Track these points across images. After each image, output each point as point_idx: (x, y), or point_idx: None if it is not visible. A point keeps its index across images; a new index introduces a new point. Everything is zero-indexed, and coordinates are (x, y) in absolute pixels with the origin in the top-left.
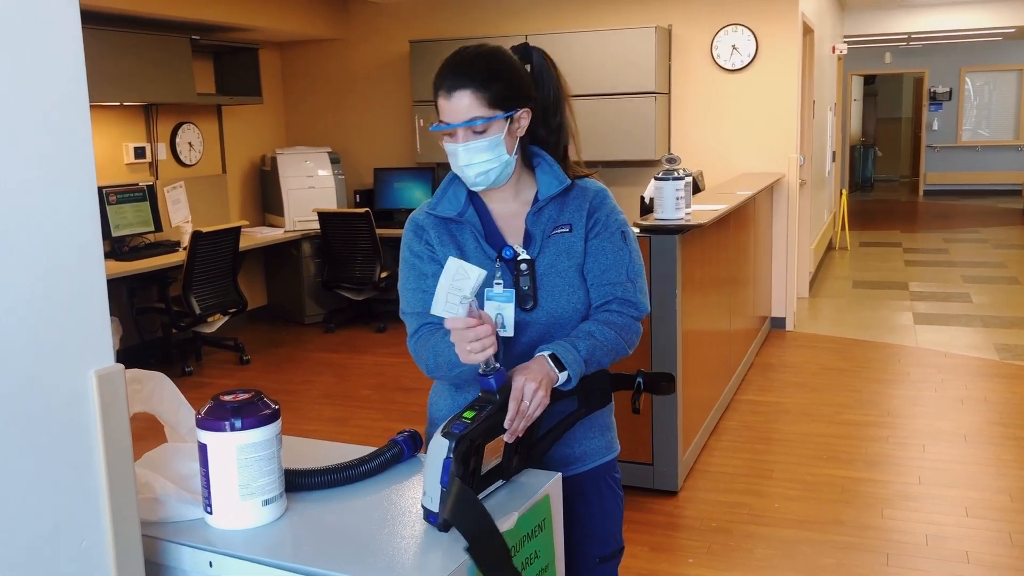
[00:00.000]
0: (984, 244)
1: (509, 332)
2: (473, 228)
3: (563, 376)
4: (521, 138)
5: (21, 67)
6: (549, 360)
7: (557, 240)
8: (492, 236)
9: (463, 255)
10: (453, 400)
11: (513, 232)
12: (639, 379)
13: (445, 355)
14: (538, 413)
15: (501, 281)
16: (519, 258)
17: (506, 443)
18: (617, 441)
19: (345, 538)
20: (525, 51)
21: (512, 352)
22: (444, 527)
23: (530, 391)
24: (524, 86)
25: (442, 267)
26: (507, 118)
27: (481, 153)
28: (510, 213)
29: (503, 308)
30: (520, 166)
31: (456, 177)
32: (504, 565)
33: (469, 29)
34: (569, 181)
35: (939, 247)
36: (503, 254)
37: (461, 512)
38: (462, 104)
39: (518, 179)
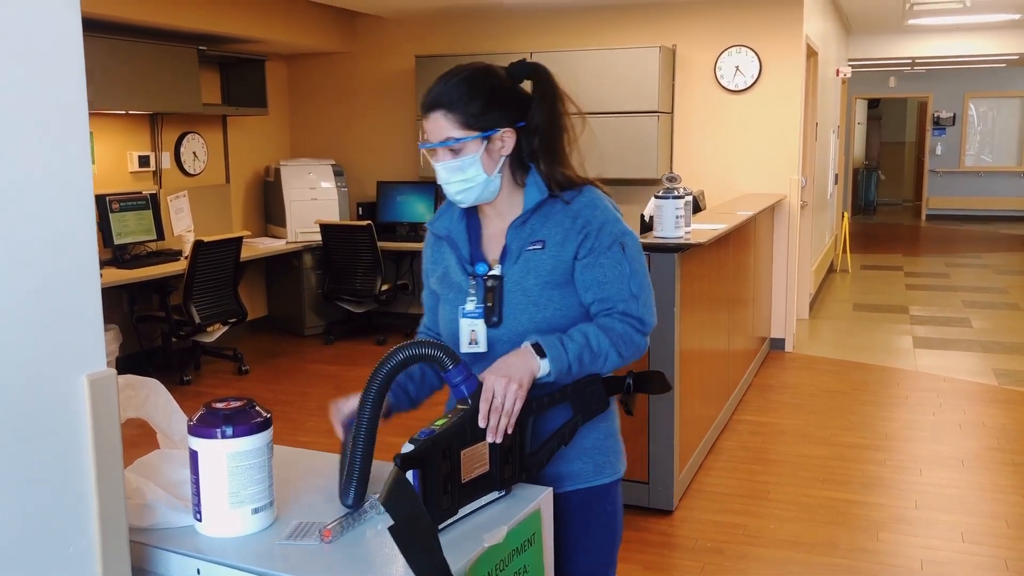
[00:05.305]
0: (985, 269)
1: (482, 348)
2: (453, 246)
3: (544, 365)
4: (516, 155)
5: (21, 71)
6: (531, 348)
7: (528, 257)
8: (474, 253)
9: (447, 273)
10: None
11: (497, 248)
12: (629, 380)
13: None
14: (518, 406)
15: (474, 297)
16: (488, 274)
17: (492, 449)
18: (611, 467)
19: (334, 547)
20: (521, 68)
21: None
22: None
23: (500, 387)
24: (507, 105)
25: (438, 280)
26: (484, 138)
27: (456, 172)
28: (499, 230)
29: (475, 324)
30: (511, 183)
31: None
32: (429, 556)
33: (475, 45)
34: (547, 193)
35: (940, 271)
36: (475, 271)
37: (393, 498)
38: (437, 125)
39: (509, 195)
